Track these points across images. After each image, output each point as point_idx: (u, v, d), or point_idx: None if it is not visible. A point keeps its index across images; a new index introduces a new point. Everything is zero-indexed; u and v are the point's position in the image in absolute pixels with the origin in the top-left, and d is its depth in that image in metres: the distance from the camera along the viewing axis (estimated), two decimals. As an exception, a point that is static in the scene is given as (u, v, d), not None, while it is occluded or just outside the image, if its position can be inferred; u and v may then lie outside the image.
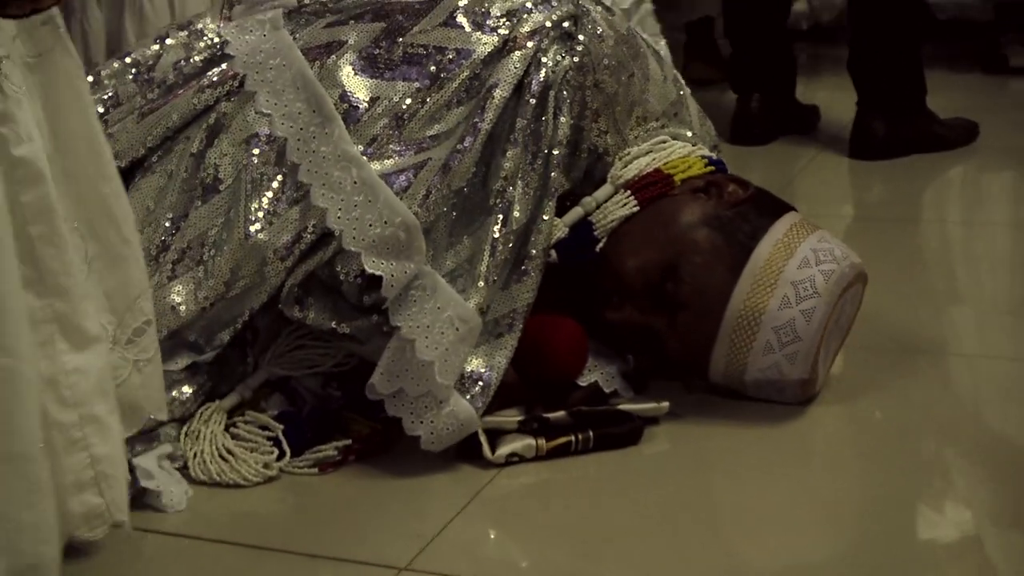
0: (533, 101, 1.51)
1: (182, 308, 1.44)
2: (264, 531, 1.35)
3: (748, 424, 1.54)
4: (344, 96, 1.52)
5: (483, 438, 1.44)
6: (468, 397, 1.43)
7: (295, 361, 1.50)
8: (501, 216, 1.48)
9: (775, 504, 1.38)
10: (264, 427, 1.46)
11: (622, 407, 1.52)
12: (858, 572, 1.26)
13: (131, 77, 1.60)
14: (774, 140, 2.98)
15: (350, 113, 1.51)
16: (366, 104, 1.52)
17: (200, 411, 1.46)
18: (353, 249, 1.40)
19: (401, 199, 1.44)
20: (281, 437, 1.44)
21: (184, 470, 1.42)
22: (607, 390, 1.54)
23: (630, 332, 1.54)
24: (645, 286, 1.52)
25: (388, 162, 1.48)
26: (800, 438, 1.52)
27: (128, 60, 1.62)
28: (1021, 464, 1.46)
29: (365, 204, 1.41)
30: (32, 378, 0.96)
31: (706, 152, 1.67)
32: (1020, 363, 1.75)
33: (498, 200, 1.48)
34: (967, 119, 2.96)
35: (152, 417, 1.27)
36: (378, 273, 1.39)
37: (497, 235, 1.47)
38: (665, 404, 1.52)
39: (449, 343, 1.39)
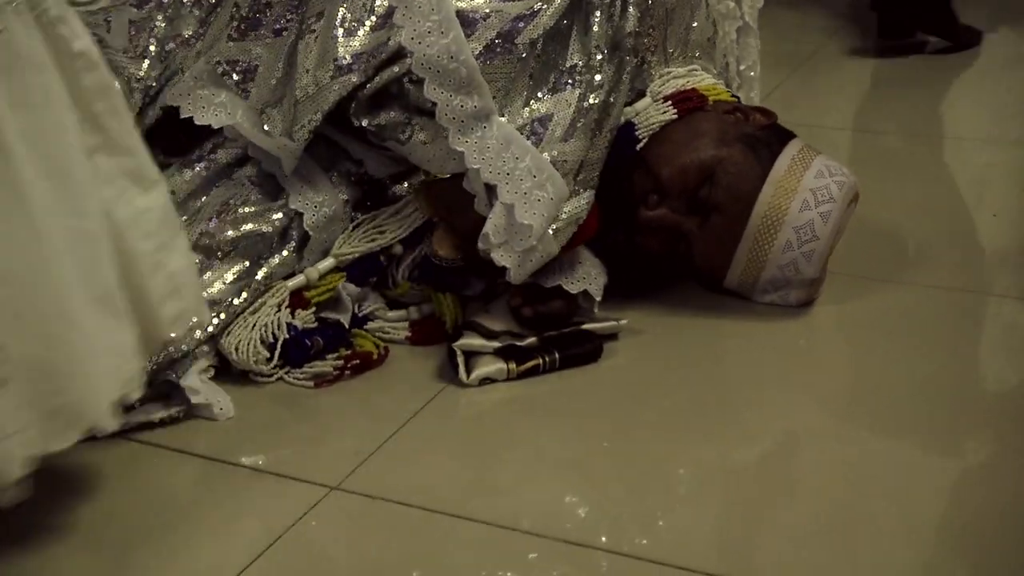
0: (607, 0, 1.57)
1: (263, 71, 1.58)
2: (222, 442, 1.39)
3: (702, 339, 1.63)
4: None
5: (460, 360, 1.50)
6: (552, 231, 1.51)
7: (361, 244, 1.60)
8: (585, 85, 1.54)
9: (736, 403, 1.48)
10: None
11: (585, 327, 1.57)
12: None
13: None
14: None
15: None
16: None
17: (271, 288, 1.55)
18: (419, 74, 1.48)
19: (468, 39, 1.50)
20: (278, 348, 1.51)
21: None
22: (573, 291, 1.56)
23: (662, 231, 1.63)
24: (683, 189, 1.61)
25: (472, 1, 1.53)
26: (754, 349, 1.60)
27: None
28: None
29: (437, 33, 1.47)
30: (101, 233, 1.15)
31: (725, 88, 1.77)
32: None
33: (585, 71, 1.55)
34: None
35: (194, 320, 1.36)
36: (434, 100, 1.47)
37: (581, 104, 1.53)
38: (624, 321, 1.59)
39: (527, 188, 1.48)
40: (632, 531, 1.23)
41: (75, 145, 1.13)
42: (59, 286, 1.10)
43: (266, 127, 1.56)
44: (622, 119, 1.62)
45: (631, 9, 1.58)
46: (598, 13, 1.56)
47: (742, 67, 1.99)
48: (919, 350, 1.58)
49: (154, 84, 1.62)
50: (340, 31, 1.55)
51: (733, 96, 1.74)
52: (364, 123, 1.55)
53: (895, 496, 1.28)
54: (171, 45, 1.64)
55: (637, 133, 1.63)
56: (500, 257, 1.49)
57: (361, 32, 1.55)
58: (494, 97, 1.50)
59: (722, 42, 1.90)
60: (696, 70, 1.72)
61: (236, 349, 1.49)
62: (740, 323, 1.64)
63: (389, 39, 1.53)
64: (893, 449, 1.37)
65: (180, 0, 1.66)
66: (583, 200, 1.53)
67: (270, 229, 1.56)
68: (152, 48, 1.62)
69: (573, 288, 1.55)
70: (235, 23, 1.64)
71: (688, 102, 1.65)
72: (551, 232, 1.50)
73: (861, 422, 1.42)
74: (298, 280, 1.57)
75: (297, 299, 1.56)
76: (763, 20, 1.97)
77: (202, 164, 1.59)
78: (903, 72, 2.90)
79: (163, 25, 1.64)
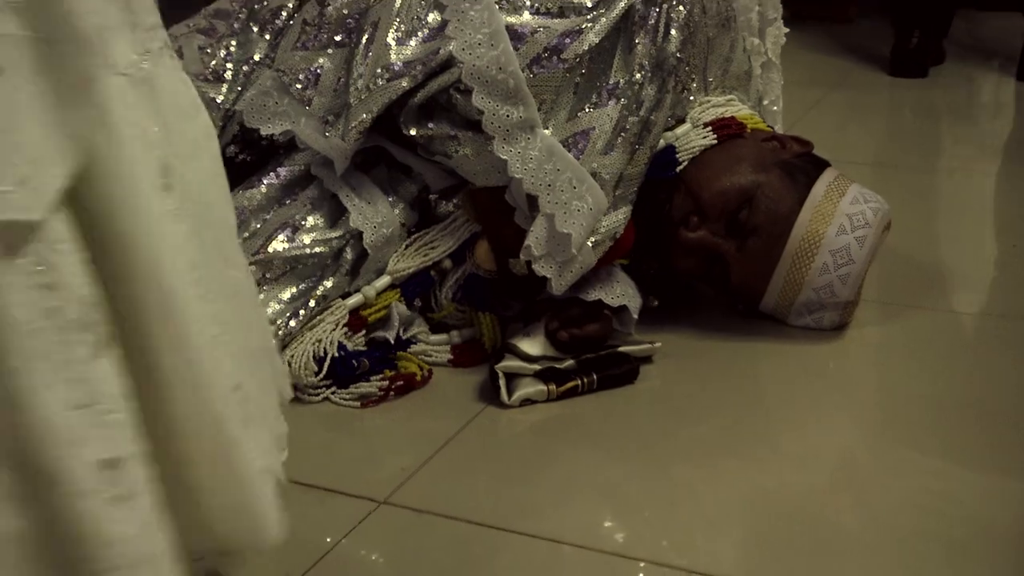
0: (652, 22, 1.61)
1: (325, 79, 1.64)
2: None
3: (735, 362, 1.66)
4: None
5: (502, 382, 1.54)
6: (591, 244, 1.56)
7: (414, 259, 1.65)
8: (627, 101, 1.58)
9: (763, 432, 1.49)
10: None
11: (620, 350, 1.61)
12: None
13: None
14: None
15: None
16: None
17: (330, 307, 1.60)
18: (468, 83, 1.54)
19: (516, 53, 1.55)
20: (326, 364, 1.55)
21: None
22: (614, 305, 1.60)
23: (700, 252, 1.68)
24: (723, 211, 1.66)
25: (521, 16, 1.60)
26: (787, 372, 1.64)
27: None
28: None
29: (487, 45, 1.54)
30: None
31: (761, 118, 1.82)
32: None
33: (627, 88, 1.59)
34: None
35: None
36: (481, 108, 1.53)
37: (622, 119, 1.57)
38: (658, 344, 1.64)
39: (567, 199, 1.53)
40: (669, 547, 1.26)
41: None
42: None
43: (327, 134, 1.61)
44: (663, 143, 1.67)
45: (674, 32, 1.62)
46: (642, 33, 1.60)
47: (765, 102, 2.05)
48: (948, 373, 1.62)
49: (231, 107, 1.67)
50: (393, 41, 1.61)
51: (769, 126, 1.78)
52: (412, 132, 1.60)
53: (925, 514, 1.30)
54: (245, 68, 1.69)
55: (677, 156, 1.68)
56: (541, 268, 1.54)
57: (413, 42, 1.61)
58: (539, 109, 1.55)
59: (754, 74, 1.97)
60: (734, 100, 1.77)
61: (289, 363, 1.53)
62: (773, 346, 1.68)
63: (439, 49, 1.58)
64: (923, 468, 1.40)
65: (248, 27, 1.71)
66: (620, 215, 1.58)
67: (326, 250, 1.60)
68: (228, 74, 1.68)
69: (613, 302, 1.59)
70: (299, 36, 1.69)
71: (727, 129, 1.70)
72: (590, 244, 1.54)
73: (892, 443, 1.45)
74: (356, 299, 1.62)
75: (355, 319, 1.60)
76: (782, 59, 2.04)
77: (264, 184, 1.64)
78: (918, 107, 2.96)
79: (236, 50, 1.70)
